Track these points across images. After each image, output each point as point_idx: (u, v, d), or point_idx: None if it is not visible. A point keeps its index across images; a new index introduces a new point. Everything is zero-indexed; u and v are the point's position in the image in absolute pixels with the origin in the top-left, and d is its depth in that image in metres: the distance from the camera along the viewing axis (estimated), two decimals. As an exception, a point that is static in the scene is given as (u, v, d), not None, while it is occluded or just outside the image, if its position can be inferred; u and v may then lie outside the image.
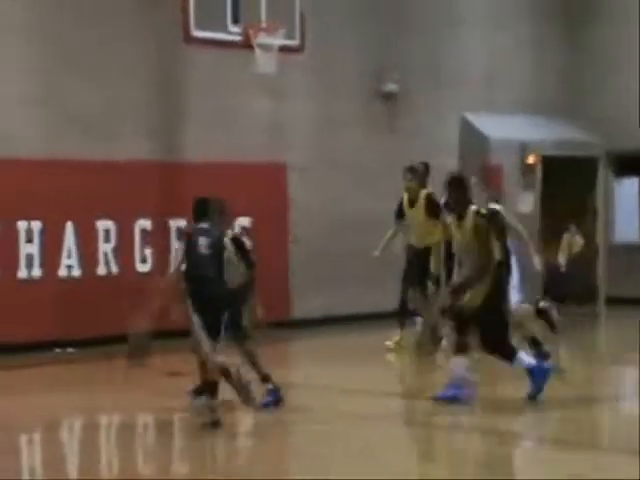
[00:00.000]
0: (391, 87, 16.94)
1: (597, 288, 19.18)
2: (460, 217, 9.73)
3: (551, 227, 18.55)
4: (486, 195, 12.06)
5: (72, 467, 8.45)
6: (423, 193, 13.04)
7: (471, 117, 17.77)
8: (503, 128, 17.73)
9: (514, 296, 11.46)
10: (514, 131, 17.87)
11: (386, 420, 9.56)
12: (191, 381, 9.70)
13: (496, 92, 18.10)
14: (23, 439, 9.31)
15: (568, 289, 18.99)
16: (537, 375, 9.66)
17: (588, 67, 19.09)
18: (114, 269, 14.10)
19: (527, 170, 18.22)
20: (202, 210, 9.48)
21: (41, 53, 13.73)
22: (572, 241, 19.32)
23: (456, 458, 8.29)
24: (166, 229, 14.46)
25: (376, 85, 16.89)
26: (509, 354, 9.60)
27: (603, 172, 19.23)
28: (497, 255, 9.74)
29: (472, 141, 17.81)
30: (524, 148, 18.05)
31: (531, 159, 18.16)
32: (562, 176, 18.16)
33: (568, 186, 18.53)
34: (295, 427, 9.46)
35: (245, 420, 9.77)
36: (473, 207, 9.73)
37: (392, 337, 13.32)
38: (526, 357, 9.77)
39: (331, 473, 7.51)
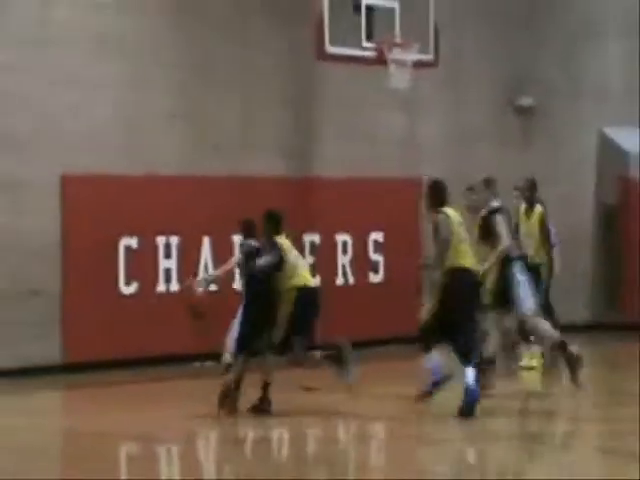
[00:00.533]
0: (526, 101, 16.78)
1: None
2: None
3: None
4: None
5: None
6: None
7: (610, 131, 17.45)
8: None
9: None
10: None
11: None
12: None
13: (637, 105, 17.73)
14: (161, 449, 9.50)
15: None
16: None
17: None
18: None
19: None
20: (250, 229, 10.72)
21: (180, 71, 14.00)
22: None
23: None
24: (300, 244, 14.57)
25: (511, 99, 16.76)
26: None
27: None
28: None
29: (611, 156, 17.51)
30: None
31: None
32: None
33: None
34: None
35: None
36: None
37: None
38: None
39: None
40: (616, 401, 11.47)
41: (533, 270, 12.61)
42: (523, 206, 13.26)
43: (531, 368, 12.94)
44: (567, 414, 11.00)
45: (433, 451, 9.17)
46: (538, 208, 13.15)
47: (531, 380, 12.94)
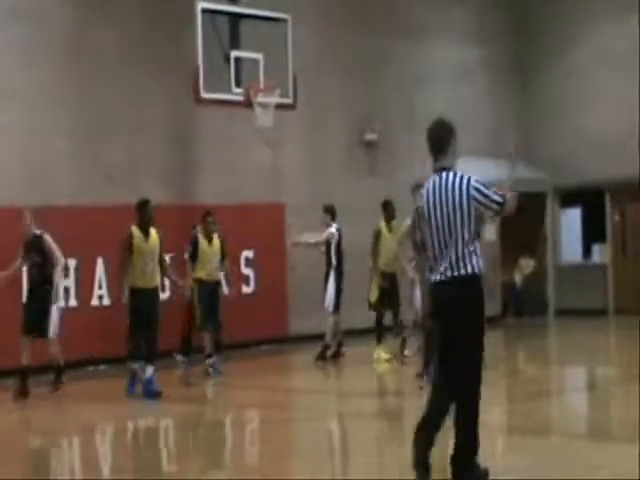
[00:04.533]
0: (371, 136, 17.09)
1: (547, 302, 19.34)
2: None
3: (509, 252, 18.73)
4: None
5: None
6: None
7: (441, 161, 17.90)
8: (468, 169, 17.75)
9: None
10: (477, 171, 17.89)
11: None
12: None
13: (461, 138, 18.15)
14: (64, 442, 9.37)
15: (523, 304, 19.18)
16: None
17: (537, 116, 19.34)
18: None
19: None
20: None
21: (74, 116, 13.89)
22: (526, 263, 19.51)
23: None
24: (183, 262, 14.54)
25: (359, 135, 17.06)
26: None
27: (551, 204, 19.44)
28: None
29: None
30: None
31: (491, 195, 18.27)
32: (517, 209, 18.25)
33: (522, 217, 18.68)
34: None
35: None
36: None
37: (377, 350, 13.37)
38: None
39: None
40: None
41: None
42: (383, 223, 13.46)
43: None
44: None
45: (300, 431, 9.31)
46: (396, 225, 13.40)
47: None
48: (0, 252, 12.59)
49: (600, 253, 18.90)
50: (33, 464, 8.35)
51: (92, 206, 13.80)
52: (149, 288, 10.88)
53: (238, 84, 13.42)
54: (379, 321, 13.29)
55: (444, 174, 6.28)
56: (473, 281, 6.08)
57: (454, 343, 6.07)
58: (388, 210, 13.34)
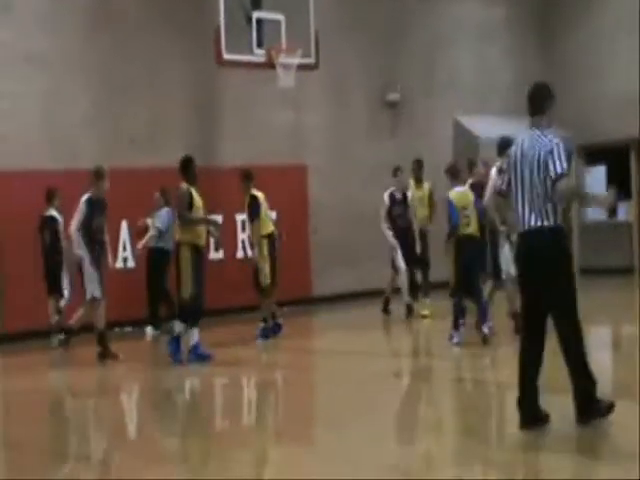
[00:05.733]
0: (393, 97, 17.02)
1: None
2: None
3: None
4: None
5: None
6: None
7: (462, 119, 17.82)
8: (490, 128, 17.73)
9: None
10: (500, 130, 17.81)
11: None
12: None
13: (483, 98, 18.12)
14: (90, 402, 9.45)
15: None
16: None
17: (561, 74, 19.13)
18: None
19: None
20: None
21: (96, 81, 13.92)
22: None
23: (464, 406, 8.36)
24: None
25: (381, 95, 16.97)
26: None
27: (575, 162, 19.26)
28: None
29: (463, 140, 17.85)
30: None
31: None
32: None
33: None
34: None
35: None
36: None
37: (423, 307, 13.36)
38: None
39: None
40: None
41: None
42: (411, 181, 13.52)
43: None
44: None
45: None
46: (426, 184, 13.51)
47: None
48: (21, 215, 12.73)
49: (625, 211, 18.77)
50: (67, 422, 8.46)
51: (116, 169, 13.80)
52: (204, 246, 10.59)
53: (260, 45, 13.34)
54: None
55: (531, 132, 6.65)
56: (557, 232, 6.47)
57: (548, 290, 6.44)
58: (417, 169, 13.42)
